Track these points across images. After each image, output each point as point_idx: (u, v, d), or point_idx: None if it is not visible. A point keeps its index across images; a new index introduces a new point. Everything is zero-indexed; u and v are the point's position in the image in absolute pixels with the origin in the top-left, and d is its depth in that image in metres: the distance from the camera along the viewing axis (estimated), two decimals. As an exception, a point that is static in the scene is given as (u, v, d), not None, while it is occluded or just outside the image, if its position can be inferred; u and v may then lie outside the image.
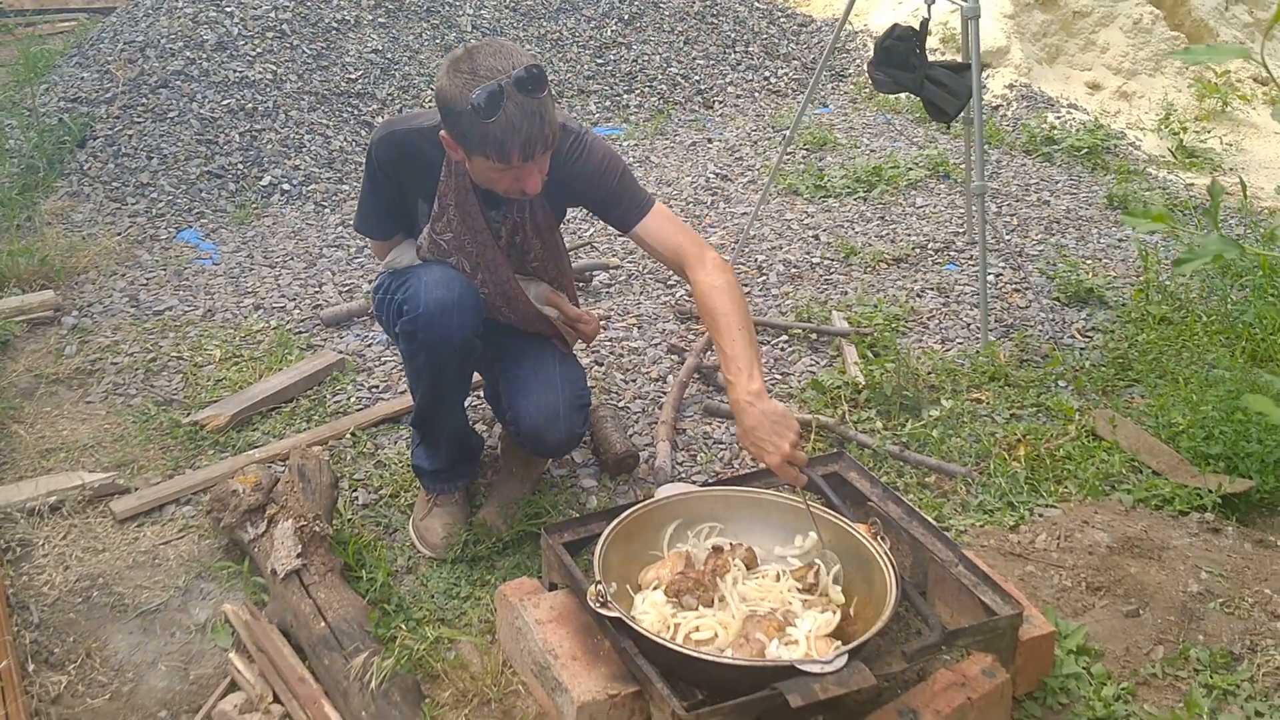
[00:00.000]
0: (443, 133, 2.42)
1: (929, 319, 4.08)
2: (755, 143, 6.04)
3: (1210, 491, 2.95)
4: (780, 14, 7.70)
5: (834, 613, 2.21)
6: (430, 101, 2.41)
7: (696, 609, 2.22)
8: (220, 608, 2.61)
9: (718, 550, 2.35)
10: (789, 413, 2.37)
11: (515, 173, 2.38)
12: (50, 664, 2.48)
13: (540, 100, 2.31)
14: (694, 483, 3.04)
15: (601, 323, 3.98)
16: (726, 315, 2.45)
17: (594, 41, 6.84)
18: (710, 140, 6.10)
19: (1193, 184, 5.84)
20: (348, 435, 3.31)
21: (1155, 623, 2.53)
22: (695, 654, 2.03)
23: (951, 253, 4.67)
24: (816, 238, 4.81)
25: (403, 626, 2.52)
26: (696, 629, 2.17)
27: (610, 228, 2.74)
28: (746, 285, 4.35)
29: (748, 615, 2.20)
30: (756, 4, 7.71)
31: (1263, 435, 3.06)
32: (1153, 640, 2.48)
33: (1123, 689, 2.34)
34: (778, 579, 2.33)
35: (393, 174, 2.63)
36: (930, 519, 2.54)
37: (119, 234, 4.73)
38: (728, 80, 6.97)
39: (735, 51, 7.22)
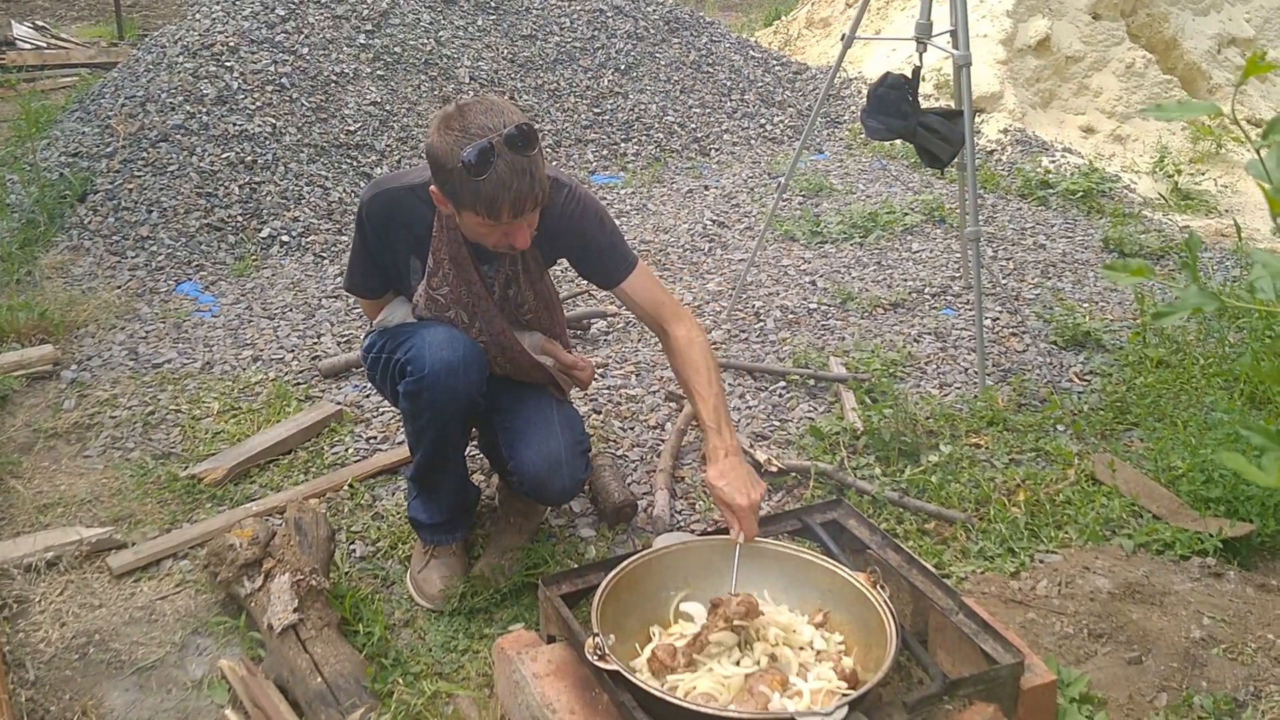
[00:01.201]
0: (433, 188, 2.45)
1: (926, 364, 4.09)
2: (752, 189, 6.08)
3: (1211, 536, 2.94)
4: (775, 62, 7.78)
5: (844, 681, 2.18)
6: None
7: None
8: (217, 664, 2.60)
9: (716, 605, 2.32)
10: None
11: (505, 229, 2.41)
12: (45, 723, 2.46)
13: (530, 158, 2.33)
14: (692, 531, 3.04)
15: (599, 370, 3.99)
16: (709, 369, 2.62)
17: (591, 91, 6.90)
18: (707, 187, 6.14)
19: (1188, 226, 5.86)
20: (345, 487, 3.30)
21: (1158, 669, 2.51)
22: (694, 707, 2.01)
23: (948, 297, 4.69)
24: (813, 283, 4.83)
25: (400, 681, 2.50)
26: (694, 688, 2.15)
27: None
28: (744, 331, 4.37)
29: (750, 671, 2.18)
30: (752, 53, 7.79)
31: (1261, 479, 3.05)
32: (1156, 687, 2.46)
33: (1127, 738, 2.32)
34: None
35: (384, 232, 2.64)
36: (930, 566, 2.53)
37: (119, 287, 4.75)
38: (724, 128, 7.02)
39: (731, 99, 7.28)
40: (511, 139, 2.30)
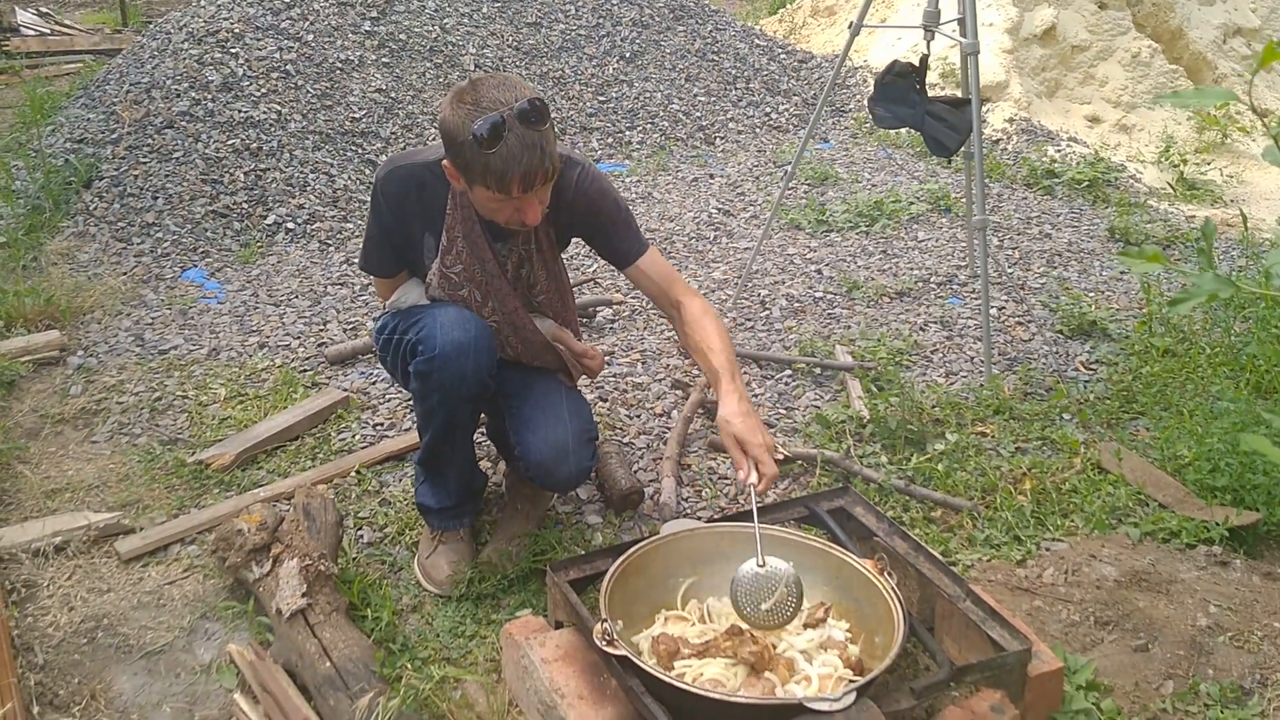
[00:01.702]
0: (445, 162, 2.45)
1: (932, 352, 4.09)
2: (757, 178, 6.07)
3: (1218, 524, 2.94)
4: (780, 50, 7.76)
5: (850, 669, 2.17)
6: (434, 139, 2.43)
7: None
8: (225, 648, 2.60)
9: (733, 633, 2.21)
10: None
11: (515, 203, 2.41)
12: (55, 706, 2.46)
13: (541, 132, 2.33)
14: (699, 518, 3.04)
15: (606, 358, 3.99)
16: (722, 335, 2.61)
17: (596, 79, 6.89)
18: (712, 176, 6.13)
19: (1194, 216, 5.86)
20: (352, 473, 3.30)
21: (1165, 657, 2.51)
22: (703, 692, 2.02)
23: (954, 286, 4.69)
24: (819, 272, 4.83)
25: (408, 666, 2.51)
26: (702, 674, 2.15)
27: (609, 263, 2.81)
28: (750, 320, 4.37)
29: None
30: (757, 41, 7.78)
31: (1269, 468, 3.05)
32: (1162, 675, 2.47)
33: (1133, 725, 2.33)
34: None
35: (399, 209, 2.65)
36: (937, 554, 2.53)
37: (124, 274, 4.75)
38: (729, 116, 7.01)
39: (736, 88, 7.27)
40: (523, 113, 2.30)
